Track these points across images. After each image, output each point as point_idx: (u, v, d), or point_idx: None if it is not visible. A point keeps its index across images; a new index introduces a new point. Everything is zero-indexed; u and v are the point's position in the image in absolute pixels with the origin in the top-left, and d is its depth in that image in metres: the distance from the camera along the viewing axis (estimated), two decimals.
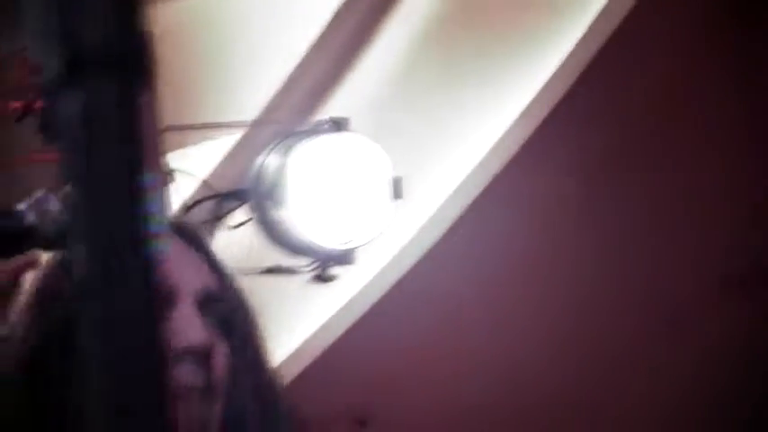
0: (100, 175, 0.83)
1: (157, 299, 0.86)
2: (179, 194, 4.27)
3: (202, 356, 2.20)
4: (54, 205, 1.71)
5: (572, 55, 5.05)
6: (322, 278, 4.35)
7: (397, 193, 4.33)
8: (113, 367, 0.81)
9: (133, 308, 0.82)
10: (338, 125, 4.37)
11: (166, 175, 4.00)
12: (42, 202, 1.73)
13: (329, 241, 4.19)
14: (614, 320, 5.74)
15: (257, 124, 4.90)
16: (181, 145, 4.43)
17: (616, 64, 5.19)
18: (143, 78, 0.84)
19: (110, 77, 0.81)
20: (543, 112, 5.05)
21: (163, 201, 3.63)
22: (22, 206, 1.78)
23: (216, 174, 4.74)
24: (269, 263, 4.35)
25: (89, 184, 0.82)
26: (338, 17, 5.31)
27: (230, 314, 2.36)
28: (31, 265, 2.21)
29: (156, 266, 0.84)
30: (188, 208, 4.27)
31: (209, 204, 4.39)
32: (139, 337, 0.82)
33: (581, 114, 5.16)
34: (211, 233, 4.29)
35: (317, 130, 4.40)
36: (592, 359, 5.63)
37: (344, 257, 4.35)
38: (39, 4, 0.83)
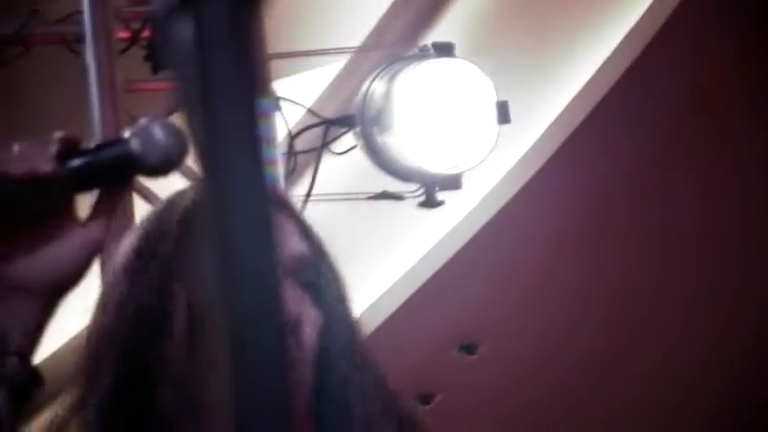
0: (217, 99, 0.74)
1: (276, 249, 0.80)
2: (285, 122, 4.29)
3: (293, 325, 2.10)
4: (158, 132, 1.61)
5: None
6: (429, 203, 4.38)
7: (503, 117, 4.36)
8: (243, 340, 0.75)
9: (259, 262, 0.75)
10: (443, 50, 4.45)
11: (274, 103, 4.04)
12: (146, 128, 1.64)
13: (436, 166, 4.25)
14: None
15: (363, 50, 5.04)
16: (287, 73, 4.51)
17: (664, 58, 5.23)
18: (253, 4, 0.75)
19: (220, 3, 0.73)
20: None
21: (273, 127, 3.36)
22: (126, 133, 1.68)
23: (322, 101, 4.82)
24: (376, 189, 4.40)
25: (206, 108, 0.72)
26: None
27: (322, 280, 2.28)
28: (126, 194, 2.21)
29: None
30: (294, 136, 4.32)
31: (315, 131, 4.44)
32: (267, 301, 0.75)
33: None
34: (318, 160, 4.42)
35: (422, 55, 4.48)
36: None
37: (451, 182, 4.40)
38: None
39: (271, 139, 1.31)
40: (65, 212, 1.68)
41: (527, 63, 5.51)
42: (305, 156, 4.51)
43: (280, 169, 4.24)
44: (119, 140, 1.67)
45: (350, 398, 2.20)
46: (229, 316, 0.72)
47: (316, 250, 2.19)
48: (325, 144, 4.46)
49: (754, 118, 5.62)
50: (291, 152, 4.36)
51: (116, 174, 1.70)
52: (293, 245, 2.14)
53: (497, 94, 4.44)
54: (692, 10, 5.25)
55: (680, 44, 5.39)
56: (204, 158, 0.68)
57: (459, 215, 5.31)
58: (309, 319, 2.09)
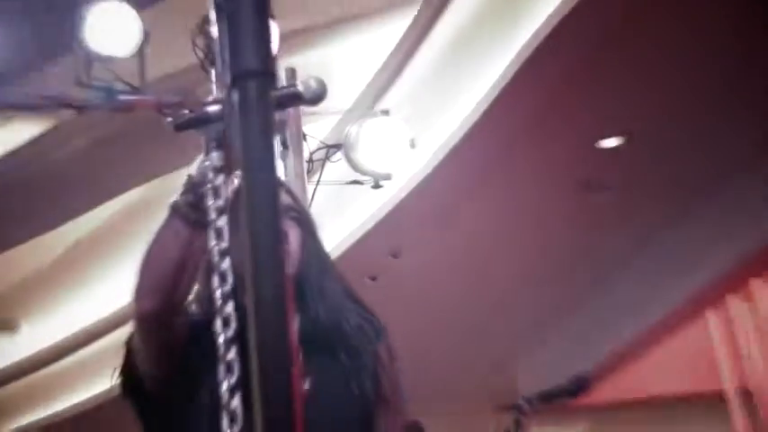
0: (253, 145, 1.30)
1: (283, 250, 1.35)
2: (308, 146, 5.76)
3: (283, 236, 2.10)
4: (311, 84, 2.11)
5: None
6: (376, 186, 6.10)
7: (411, 146, 6.08)
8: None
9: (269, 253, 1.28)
10: (385, 113, 6.22)
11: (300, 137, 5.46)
12: (305, 82, 2.12)
13: (378, 169, 5.97)
14: None
15: (350, 110, 6.62)
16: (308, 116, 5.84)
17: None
18: (272, 84, 1.41)
19: (255, 84, 1.32)
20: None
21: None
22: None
23: (328, 135, 6.48)
24: (351, 178, 6.14)
25: (246, 154, 1.29)
26: None
27: (301, 215, 2.93)
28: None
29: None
30: (312, 153, 5.82)
31: (323, 151, 6.13)
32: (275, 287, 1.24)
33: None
34: (323, 165, 5.97)
35: (374, 114, 6.31)
36: None
37: (386, 176, 6.09)
38: (223, 50, 1.47)
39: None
40: None
41: (429, 115, 6.94)
42: (316, 163, 5.74)
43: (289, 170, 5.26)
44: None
45: (328, 296, 2.82)
46: (251, 253, 1.27)
47: (298, 203, 3.02)
48: (327, 157, 5.97)
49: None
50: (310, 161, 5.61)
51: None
52: (283, 199, 2.68)
53: (411, 135, 6.05)
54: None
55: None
56: (244, 161, 1.31)
57: (391, 192, 6.98)
58: (294, 234, 2.76)
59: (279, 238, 1.32)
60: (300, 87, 2.07)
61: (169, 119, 2.36)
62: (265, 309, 1.24)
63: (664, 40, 6.22)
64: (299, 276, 2.65)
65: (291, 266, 2.57)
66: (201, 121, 2.22)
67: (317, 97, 2.09)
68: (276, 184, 1.34)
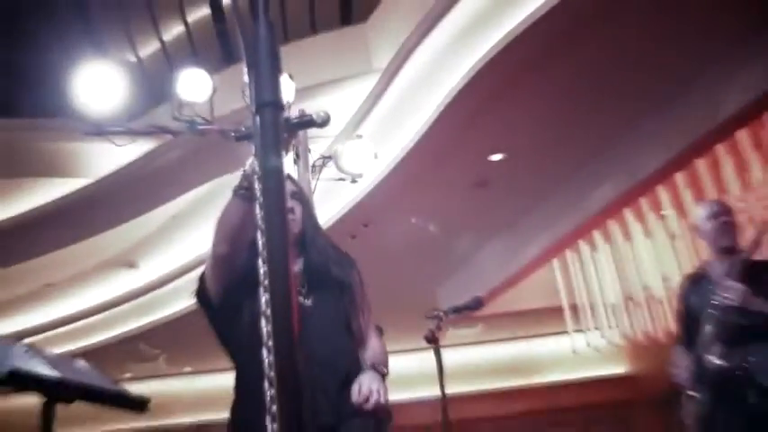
0: (267, 150, 1.29)
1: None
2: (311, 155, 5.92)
3: (290, 210, 2.63)
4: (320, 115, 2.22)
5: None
6: (352, 181, 6.07)
7: (374, 156, 6.08)
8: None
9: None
10: (360, 137, 6.14)
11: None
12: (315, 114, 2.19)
13: (355, 170, 6.13)
14: None
15: (339, 136, 6.61)
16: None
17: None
18: (281, 111, 1.31)
19: (270, 112, 1.28)
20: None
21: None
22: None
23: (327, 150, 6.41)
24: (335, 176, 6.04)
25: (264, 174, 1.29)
26: None
27: (303, 197, 2.85)
28: None
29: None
30: (317, 161, 5.94)
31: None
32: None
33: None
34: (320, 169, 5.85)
35: (352, 137, 6.21)
36: None
37: (358, 176, 6.01)
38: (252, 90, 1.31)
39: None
40: None
41: (385, 139, 6.74)
42: (317, 167, 5.85)
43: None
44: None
45: (319, 246, 2.80)
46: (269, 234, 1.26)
47: (299, 188, 2.88)
48: (323, 164, 5.83)
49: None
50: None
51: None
52: (289, 186, 2.66)
53: (375, 150, 6.00)
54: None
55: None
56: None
57: (362, 186, 6.85)
58: (298, 209, 2.75)
59: (284, 212, 1.33)
60: (314, 116, 2.19)
61: (232, 133, 2.48)
62: (275, 253, 1.25)
63: (542, 88, 6.11)
64: (301, 234, 2.73)
65: (297, 228, 2.70)
66: (247, 136, 2.33)
67: (325, 122, 2.22)
68: (282, 175, 1.31)
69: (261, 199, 1.28)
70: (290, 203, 2.67)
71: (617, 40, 5.55)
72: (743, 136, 6.82)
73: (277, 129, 1.30)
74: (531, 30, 5.26)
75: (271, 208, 1.28)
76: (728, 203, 4.24)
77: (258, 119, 1.30)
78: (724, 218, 3.95)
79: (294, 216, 2.69)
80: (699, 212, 4.13)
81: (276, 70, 1.32)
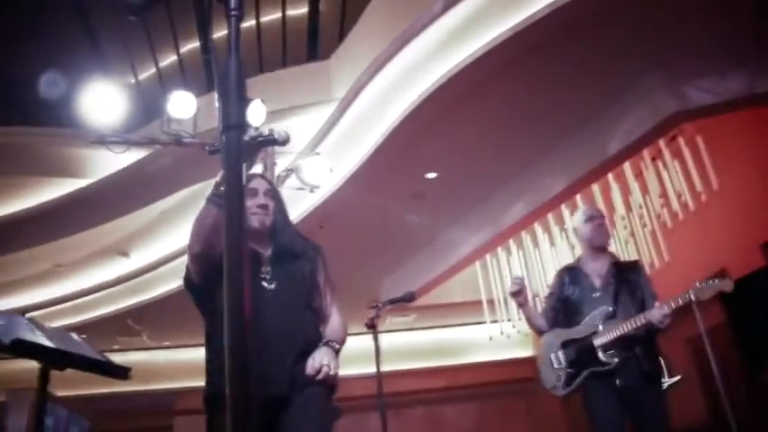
0: (231, 165, 1.27)
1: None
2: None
3: (266, 204, 2.69)
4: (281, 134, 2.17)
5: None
6: (311, 191, 5.86)
7: (329, 170, 6.00)
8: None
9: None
10: (317, 154, 6.06)
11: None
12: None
13: (314, 181, 6.20)
14: None
15: (302, 152, 7.05)
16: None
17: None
18: (244, 131, 1.31)
19: (235, 133, 1.27)
20: None
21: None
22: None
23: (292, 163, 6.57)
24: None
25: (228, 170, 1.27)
26: None
27: (276, 194, 2.79)
28: None
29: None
30: (281, 174, 5.77)
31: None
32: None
33: None
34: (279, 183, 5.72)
35: (311, 154, 6.13)
36: None
37: (317, 186, 5.90)
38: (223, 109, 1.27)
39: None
40: None
41: (339, 157, 6.67)
42: (281, 179, 5.76)
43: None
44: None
45: (287, 235, 2.72)
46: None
47: (273, 187, 2.81)
48: (287, 176, 5.74)
49: None
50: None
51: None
52: (264, 185, 2.73)
53: (330, 165, 5.91)
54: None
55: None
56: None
57: (319, 195, 6.78)
58: (271, 204, 2.71)
59: (242, 212, 1.33)
60: (277, 135, 2.17)
61: (206, 147, 2.57)
62: (232, 249, 1.27)
63: (469, 121, 6.23)
64: (273, 224, 2.72)
65: (269, 220, 2.71)
66: (218, 151, 2.31)
67: (285, 141, 2.20)
68: (241, 184, 1.31)
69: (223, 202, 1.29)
70: (265, 200, 2.69)
71: (530, 84, 5.77)
72: (627, 166, 7.08)
73: (239, 147, 1.31)
74: (460, 75, 5.44)
75: (231, 209, 1.28)
76: (599, 210, 4.25)
77: (224, 138, 1.31)
78: (599, 221, 4.02)
79: (267, 211, 2.68)
80: (578, 216, 4.13)
81: (242, 99, 1.33)
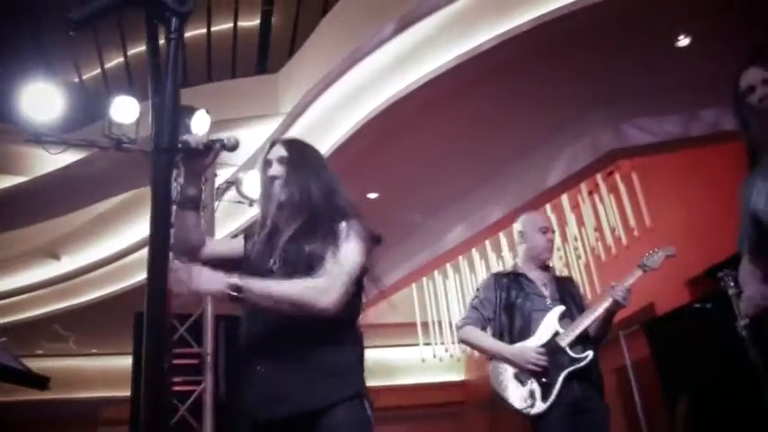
0: (160, 180, 1.22)
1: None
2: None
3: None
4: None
5: None
6: (249, 205, 5.81)
7: None
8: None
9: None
10: None
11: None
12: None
13: (252, 195, 6.31)
14: None
15: (246, 164, 6.81)
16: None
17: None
18: (173, 155, 1.24)
19: (165, 156, 1.21)
20: None
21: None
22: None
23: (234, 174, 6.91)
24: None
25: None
26: None
27: (293, 161, 2.27)
28: None
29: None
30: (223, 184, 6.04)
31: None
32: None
33: None
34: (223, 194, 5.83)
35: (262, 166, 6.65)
36: None
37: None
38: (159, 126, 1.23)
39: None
40: None
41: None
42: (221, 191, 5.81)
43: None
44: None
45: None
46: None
47: (290, 154, 2.30)
48: (227, 188, 5.77)
49: None
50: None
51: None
52: (278, 151, 2.30)
53: None
54: None
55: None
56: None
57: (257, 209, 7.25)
58: (283, 170, 2.22)
59: (168, 221, 1.27)
60: (225, 141, 2.04)
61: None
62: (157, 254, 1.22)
63: (411, 146, 6.33)
64: (291, 195, 2.23)
65: (284, 195, 2.22)
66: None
67: (234, 147, 2.06)
68: (168, 198, 1.26)
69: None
70: (275, 171, 2.24)
71: (473, 113, 5.93)
72: (564, 198, 7.26)
73: (168, 171, 1.26)
74: (405, 99, 5.58)
75: (157, 219, 1.25)
76: (551, 223, 4.05)
77: (153, 159, 1.27)
78: (551, 236, 3.78)
79: (278, 181, 2.21)
80: (529, 221, 3.84)
81: (175, 123, 1.28)
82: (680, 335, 6.10)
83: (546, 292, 3.64)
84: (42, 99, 4.69)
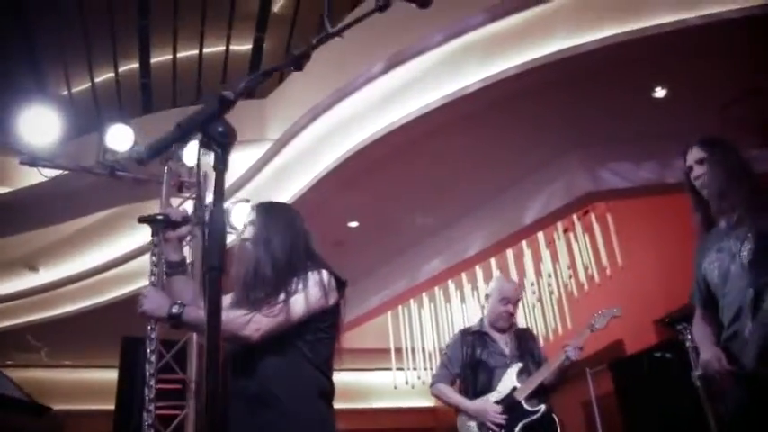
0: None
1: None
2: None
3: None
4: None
5: None
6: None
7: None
8: None
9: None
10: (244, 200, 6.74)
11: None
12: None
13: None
14: None
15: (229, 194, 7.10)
16: None
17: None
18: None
19: (215, 272, 1.22)
20: None
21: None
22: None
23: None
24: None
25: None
26: None
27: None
28: None
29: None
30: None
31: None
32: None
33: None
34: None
35: (239, 202, 6.58)
36: None
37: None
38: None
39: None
40: None
41: (267, 195, 7.42)
42: None
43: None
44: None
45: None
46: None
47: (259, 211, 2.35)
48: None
49: None
50: None
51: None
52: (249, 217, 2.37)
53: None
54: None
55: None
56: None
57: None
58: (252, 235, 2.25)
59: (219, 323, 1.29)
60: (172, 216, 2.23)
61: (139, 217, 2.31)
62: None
63: (392, 180, 6.44)
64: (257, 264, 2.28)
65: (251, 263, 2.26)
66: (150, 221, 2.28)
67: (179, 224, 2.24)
68: (219, 310, 1.28)
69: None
70: (248, 232, 2.30)
71: (456, 150, 6.09)
72: (540, 235, 7.41)
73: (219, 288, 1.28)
74: (392, 134, 5.73)
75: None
76: (518, 293, 4.26)
77: (206, 278, 1.28)
78: (510, 309, 4.06)
79: (248, 244, 2.27)
80: (498, 288, 4.13)
81: (223, 245, 1.31)
82: (641, 377, 6.42)
83: (507, 351, 3.99)
84: (37, 120, 4.73)
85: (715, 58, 5.10)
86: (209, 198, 1.41)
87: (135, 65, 11.90)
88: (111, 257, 8.59)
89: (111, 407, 5.03)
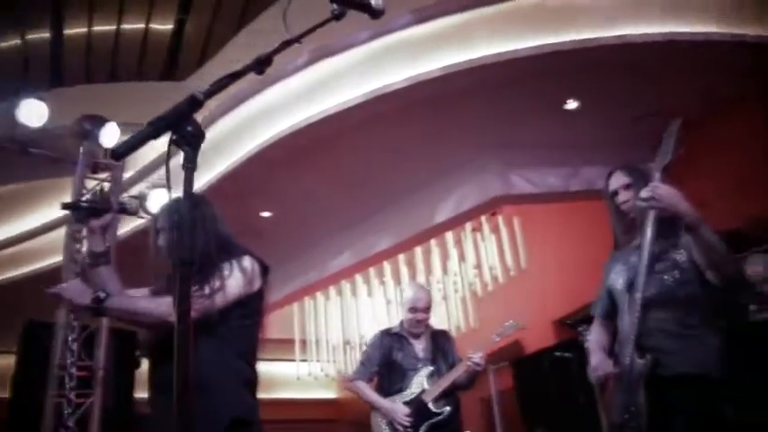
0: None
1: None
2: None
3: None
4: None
5: None
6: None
7: None
8: None
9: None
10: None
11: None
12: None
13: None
14: None
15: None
16: None
17: None
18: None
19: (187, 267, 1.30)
20: None
21: None
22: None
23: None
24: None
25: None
26: None
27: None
28: None
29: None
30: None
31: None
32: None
33: None
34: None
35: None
36: None
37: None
38: None
39: None
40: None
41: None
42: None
43: None
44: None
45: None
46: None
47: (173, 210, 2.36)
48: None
49: None
50: None
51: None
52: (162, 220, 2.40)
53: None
54: None
55: None
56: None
57: None
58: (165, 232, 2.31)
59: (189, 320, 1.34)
60: (128, 205, 2.28)
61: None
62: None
63: (308, 174, 6.39)
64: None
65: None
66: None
67: (134, 212, 2.35)
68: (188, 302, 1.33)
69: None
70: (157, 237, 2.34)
71: (372, 147, 6.09)
72: (449, 234, 7.55)
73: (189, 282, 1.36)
74: (309, 127, 5.69)
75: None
76: (427, 301, 4.35)
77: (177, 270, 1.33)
78: (419, 316, 4.25)
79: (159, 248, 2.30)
80: (410, 297, 4.31)
81: (194, 239, 1.40)
82: (542, 374, 6.73)
83: (420, 354, 4.22)
84: None
85: (627, 78, 5.36)
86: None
87: (45, 34, 11.33)
88: (8, 234, 8.17)
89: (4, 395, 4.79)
